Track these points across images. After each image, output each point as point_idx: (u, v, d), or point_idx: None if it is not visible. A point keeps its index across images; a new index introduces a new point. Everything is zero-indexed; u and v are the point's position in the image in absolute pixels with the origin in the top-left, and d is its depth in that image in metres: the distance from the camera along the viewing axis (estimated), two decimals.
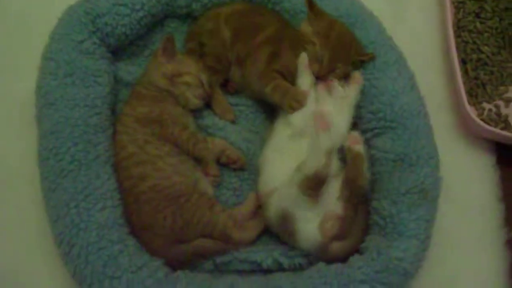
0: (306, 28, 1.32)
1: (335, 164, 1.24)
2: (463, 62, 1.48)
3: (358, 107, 1.32)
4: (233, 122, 1.38)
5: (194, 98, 1.35)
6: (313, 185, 1.16)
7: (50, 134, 1.21)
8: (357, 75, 1.30)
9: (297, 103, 1.26)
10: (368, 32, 1.35)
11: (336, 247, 1.18)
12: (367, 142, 1.30)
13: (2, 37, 1.50)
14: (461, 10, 1.55)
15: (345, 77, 1.32)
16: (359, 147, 1.25)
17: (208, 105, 1.40)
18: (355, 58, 1.31)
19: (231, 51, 1.37)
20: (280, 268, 1.20)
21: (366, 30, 1.35)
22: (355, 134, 1.27)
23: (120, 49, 1.42)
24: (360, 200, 1.22)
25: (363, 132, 1.31)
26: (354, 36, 1.32)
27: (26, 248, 1.28)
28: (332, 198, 1.21)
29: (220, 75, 1.39)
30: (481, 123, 1.36)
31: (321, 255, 1.19)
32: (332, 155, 1.21)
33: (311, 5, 1.29)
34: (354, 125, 1.33)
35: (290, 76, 1.31)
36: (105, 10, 1.33)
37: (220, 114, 1.39)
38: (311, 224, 1.18)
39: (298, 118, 1.26)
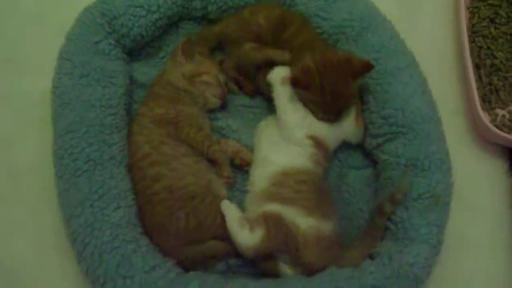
0: (302, 99, 1.30)
1: None
2: (476, 67, 1.48)
3: (370, 111, 1.32)
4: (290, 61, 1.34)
5: (213, 97, 1.37)
6: None
7: (66, 134, 1.22)
8: None
9: None
10: (381, 36, 1.34)
11: None
12: (378, 147, 1.31)
13: (19, 38, 1.51)
14: (476, 15, 1.54)
15: None
16: None
17: (222, 107, 1.41)
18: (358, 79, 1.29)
19: (269, 34, 1.37)
20: None
21: (378, 34, 1.34)
22: None
23: (136, 50, 1.43)
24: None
25: (375, 137, 1.31)
26: (351, 70, 1.26)
27: (40, 246, 1.30)
28: None
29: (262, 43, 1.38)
30: (494, 129, 1.36)
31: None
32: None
33: (295, 84, 1.26)
34: (366, 130, 1.33)
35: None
36: (121, 11, 1.34)
37: (280, 57, 1.34)
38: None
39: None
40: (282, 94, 1.28)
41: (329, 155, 1.31)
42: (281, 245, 1.16)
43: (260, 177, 1.26)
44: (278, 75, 1.29)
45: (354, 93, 1.30)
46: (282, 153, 1.27)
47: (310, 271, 1.17)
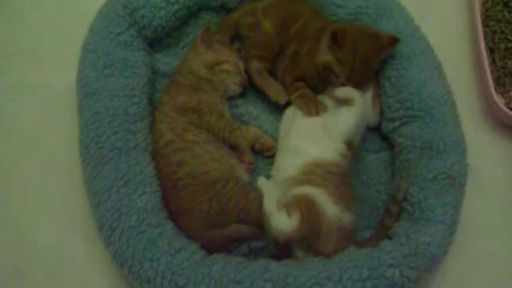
0: (326, 57, 1.31)
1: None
2: (490, 51, 1.49)
3: (386, 96, 1.35)
4: (287, 103, 1.39)
5: (233, 85, 1.40)
6: None
7: (91, 124, 1.26)
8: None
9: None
10: (396, 22, 1.36)
11: None
12: (395, 131, 1.34)
13: (44, 31, 1.56)
14: None
15: None
16: None
17: (242, 94, 1.44)
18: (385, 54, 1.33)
19: (276, 42, 1.40)
20: None
21: (394, 21, 1.37)
22: None
23: (156, 40, 1.46)
24: None
25: (391, 120, 1.33)
26: (379, 44, 1.30)
27: (69, 231, 1.34)
28: None
29: (267, 63, 1.42)
30: (508, 111, 1.38)
31: None
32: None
33: (334, 37, 1.27)
34: (382, 114, 1.37)
35: (308, 77, 1.36)
36: (142, 3, 1.37)
37: (274, 96, 1.40)
38: None
39: None
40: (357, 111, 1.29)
41: (355, 150, 1.33)
42: (310, 232, 1.17)
43: (290, 165, 1.27)
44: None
45: (377, 67, 1.33)
46: (315, 145, 1.28)
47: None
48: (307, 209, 1.17)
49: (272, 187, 1.25)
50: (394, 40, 1.30)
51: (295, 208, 1.16)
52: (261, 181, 1.26)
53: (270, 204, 1.19)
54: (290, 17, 1.40)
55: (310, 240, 1.19)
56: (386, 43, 1.30)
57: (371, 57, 1.29)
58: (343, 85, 1.30)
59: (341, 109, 1.30)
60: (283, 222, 1.15)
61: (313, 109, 1.32)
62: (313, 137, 1.30)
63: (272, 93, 1.40)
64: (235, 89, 1.41)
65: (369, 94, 1.36)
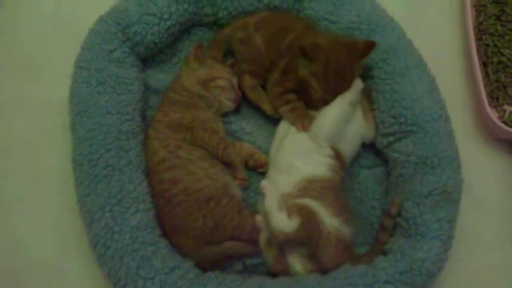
0: (302, 71, 1.31)
1: None
2: (484, 65, 1.50)
3: (380, 111, 1.34)
4: (280, 117, 1.40)
5: (227, 101, 1.40)
6: None
7: (84, 141, 1.25)
8: None
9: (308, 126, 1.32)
10: (389, 37, 1.37)
11: None
12: (389, 146, 1.33)
13: (36, 47, 1.55)
14: (482, 13, 1.56)
15: None
16: None
17: (236, 110, 1.44)
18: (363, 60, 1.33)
19: (266, 57, 1.41)
20: None
21: (386, 36, 1.37)
22: None
23: (149, 57, 1.46)
24: None
25: (385, 136, 1.33)
26: (355, 51, 1.30)
27: (62, 249, 1.33)
28: None
29: (259, 77, 1.42)
30: (502, 125, 1.38)
31: None
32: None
33: (302, 52, 1.28)
34: (376, 129, 1.37)
35: (300, 88, 1.36)
36: (134, 19, 1.37)
37: (269, 110, 1.40)
38: None
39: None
40: (339, 107, 1.30)
41: (346, 166, 1.33)
42: (308, 239, 1.18)
43: (285, 182, 1.27)
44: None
45: (355, 76, 1.32)
46: (306, 162, 1.28)
47: (321, 272, 1.20)
48: (307, 217, 1.18)
49: (272, 186, 1.25)
50: (370, 45, 1.30)
51: (296, 213, 1.17)
52: (264, 183, 1.25)
53: (272, 202, 1.19)
54: (281, 32, 1.40)
55: (309, 248, 1.19)
56: (364, 48, 1.30)
57: (346, 66, 1.29)
58: (322, 98, 1.31)
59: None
60: (283, 221, 1.16)
61: (306, 121, 1.32)
62: (305, 153, 1.30)
63: (267, 107, 1.40)
64: (229, 105, 1.40)
65: (359, 111, 1.35)
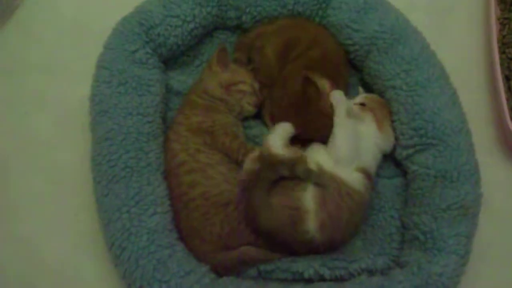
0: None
1: None
2: (506, 78, 1.48)
3: (400, 123, 1.33)
4: None
5: (249, 106, 1.40)
6: None
7: (104, 141, 1.26)
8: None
9: None
10: (412, 48, 1.36)
11: None
12: (408, 158, 1.32)
13: (58, 46, 1.56)
14: (506, 26, 1.55)
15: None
16: None
17: (256, 115, 1.44)
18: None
19: (276, 70, 1.40)
20: (321, 279, 1.22)
21: (409, 46, 1.36)
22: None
23: (171, 59, 1.46)
24: None
25: (405, 147, 1.32)
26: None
27: (79, 249, 1.34)
28: None
29: (267, 88, 1.42)
30: None
31: None
32: None
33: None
34: (396, 141, 1.35)
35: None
36: (158, 21, 1.37)
37: (267, 123, 1.42)
38: None
39: None
40: (342, 124, 1.29)
41: (373, 183, 1.33)
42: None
43: None
44: (342, 103, 1.31)
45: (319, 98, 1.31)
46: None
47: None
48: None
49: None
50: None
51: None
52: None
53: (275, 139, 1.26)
54: (290, 43, 1.40)
55: None
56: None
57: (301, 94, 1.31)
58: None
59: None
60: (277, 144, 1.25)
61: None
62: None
63: (267, 122, 1.43)
64: (250, 110, 1.41)
65: (371, 122, 1.34)
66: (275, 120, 1.33)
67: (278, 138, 1.26)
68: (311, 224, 1.19)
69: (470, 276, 1.24)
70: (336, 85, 1.34)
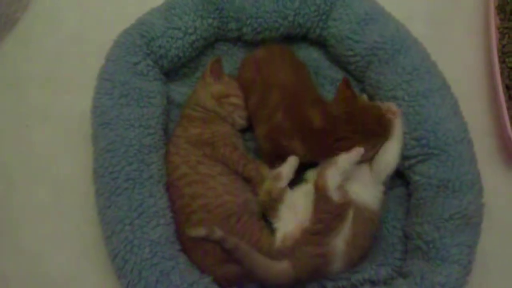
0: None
1: None
2: (507, 88, 1.48)
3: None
4: None
5: (240, 119, 1.40)
6: None
7: (106, 153, 1.26)
8: None
9: None
10: (413, 58, 1.36)
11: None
12: (410, 168, 1.32)
13: (60, 58, 1.56)
14: (506, 36, 1.55)
15: None
16: None
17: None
18: None
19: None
20: None
21: (410, 57, 1.36)
22: None
23: (172, 71, 1.47)
24: None
25: (407, 158, 1.32)
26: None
27: (81, 261, 1.34)
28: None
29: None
30: None
31: None
32: None
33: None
34: None
35: None
36: (159, 33, 1.38)
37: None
38: None
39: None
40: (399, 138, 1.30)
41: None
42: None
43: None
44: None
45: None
46: (363, 189, 1.28)
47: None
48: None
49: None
50: None
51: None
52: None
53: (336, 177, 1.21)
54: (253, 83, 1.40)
55: None
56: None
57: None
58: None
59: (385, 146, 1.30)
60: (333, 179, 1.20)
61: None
62: (365, 182, 1.29)
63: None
64: (241, 123, 1.41)
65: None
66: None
67: (338, 175, 1.21)
68: (338, 265, 1.20)
69: (473, 285, 1.25)
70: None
